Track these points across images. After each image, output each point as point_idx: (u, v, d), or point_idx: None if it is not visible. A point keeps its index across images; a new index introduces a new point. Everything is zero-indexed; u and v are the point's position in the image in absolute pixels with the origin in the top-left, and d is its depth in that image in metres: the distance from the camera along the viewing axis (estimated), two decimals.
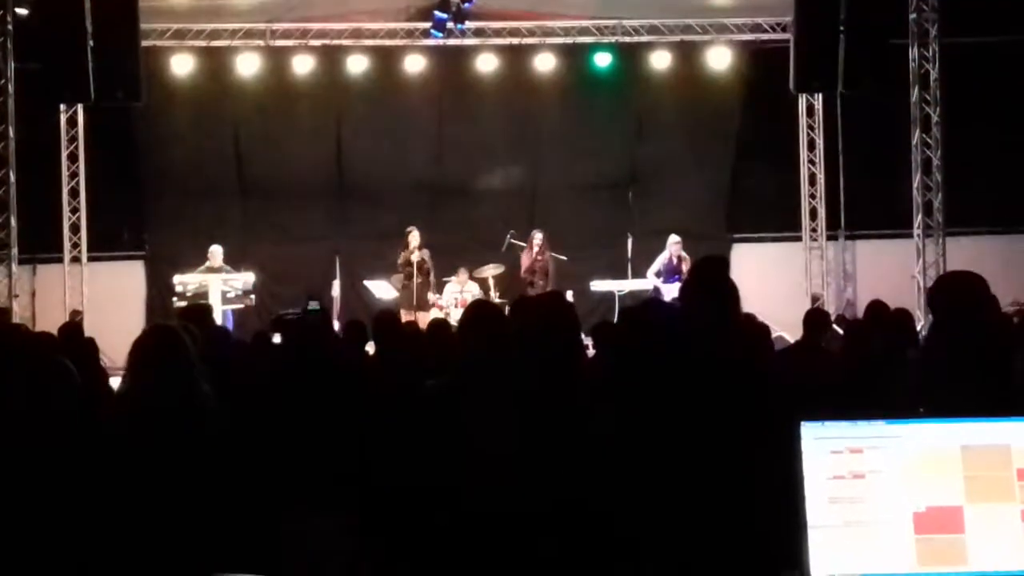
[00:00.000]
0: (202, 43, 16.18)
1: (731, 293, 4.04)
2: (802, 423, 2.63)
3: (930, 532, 2.61)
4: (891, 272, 15.90)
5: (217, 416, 4.42)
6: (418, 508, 4.27)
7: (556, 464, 3.97)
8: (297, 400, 5.19)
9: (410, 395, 4.79)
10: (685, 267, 14.94)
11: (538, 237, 15.19)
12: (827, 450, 2.63)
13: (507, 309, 5.32)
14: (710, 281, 4.08)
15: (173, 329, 4.54)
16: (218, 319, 11.87)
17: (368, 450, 5.08)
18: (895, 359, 5.47)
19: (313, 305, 9.96)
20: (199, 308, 8.51)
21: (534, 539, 3.94)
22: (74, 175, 16.16)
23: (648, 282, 15.10)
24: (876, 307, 7.28)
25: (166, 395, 4.32)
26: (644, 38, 16.73)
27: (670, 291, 14.59)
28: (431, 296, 14.86)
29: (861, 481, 2.62)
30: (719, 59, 16.81)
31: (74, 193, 16.16)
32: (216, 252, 14.79)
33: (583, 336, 5.11)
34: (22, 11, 14.27)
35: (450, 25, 15.72)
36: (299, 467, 4.95)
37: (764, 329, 6.91)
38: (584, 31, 16.71)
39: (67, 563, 4.05)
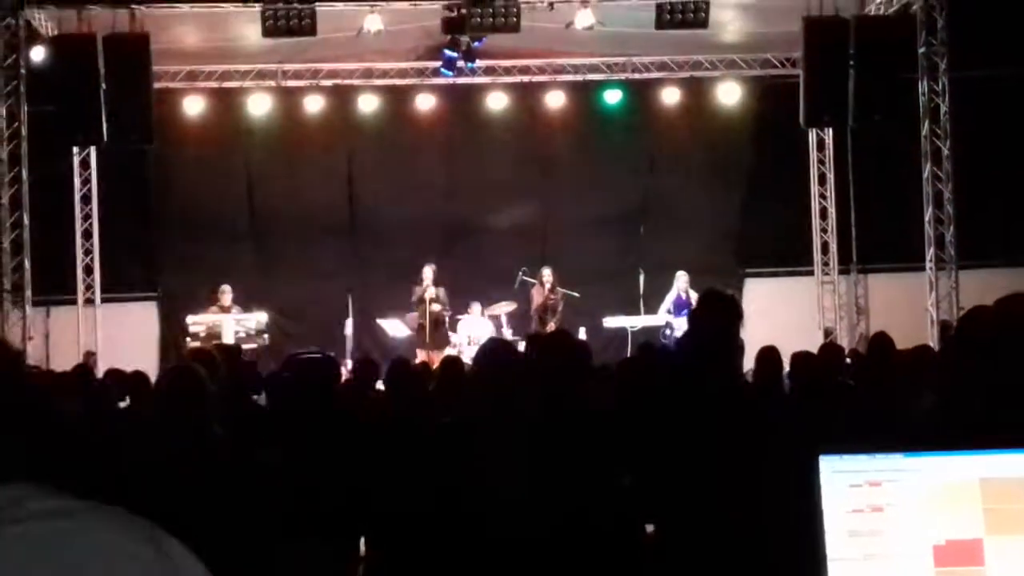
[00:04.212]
0: (214, 84, 16.30)
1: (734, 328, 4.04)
2: (820, 456, 2.62)
3: (950, 565, 2.58)
4: (904, 306, 15.86)
5: (226, 461, 4.39)
6: (425, 541, 4.25)
7: (566, 502, 3.95)
8: (302, 435, 5.18)
9: (420, 432, 4.79)
10: (695, 300, 14.93)
11: (548, 274, 15.17)
12: (846, 483, 2.61)
13: (521, 345, 5.32)
14: (717, 313, 4.08)
15: (191, 371, 4.52)
16: None
17: (377, 484, 5.06)
18: (911, 393, 5.44)
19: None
20: (227, 348, 8.59)
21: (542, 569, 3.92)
22: (87, 217, 16.24)
23: (660, 318, 15.08)
24: (880, 340, 7.03)
25: (177, 438, 4.31)
26: (654, 75, 16.81)
27: (682, 324, 14.58)
28: (447, 334, 14.86)
29: (880, 514, 2.60)
30: (729, 94, 16.87)
31: (87, 235, 16.23)
32: (226, 291, 14.84)
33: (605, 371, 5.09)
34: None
35: (460, 64, 15.79)
36: (302, 500, 4.94)
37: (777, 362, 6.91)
38: (594, 68, 16.79)
39: None
